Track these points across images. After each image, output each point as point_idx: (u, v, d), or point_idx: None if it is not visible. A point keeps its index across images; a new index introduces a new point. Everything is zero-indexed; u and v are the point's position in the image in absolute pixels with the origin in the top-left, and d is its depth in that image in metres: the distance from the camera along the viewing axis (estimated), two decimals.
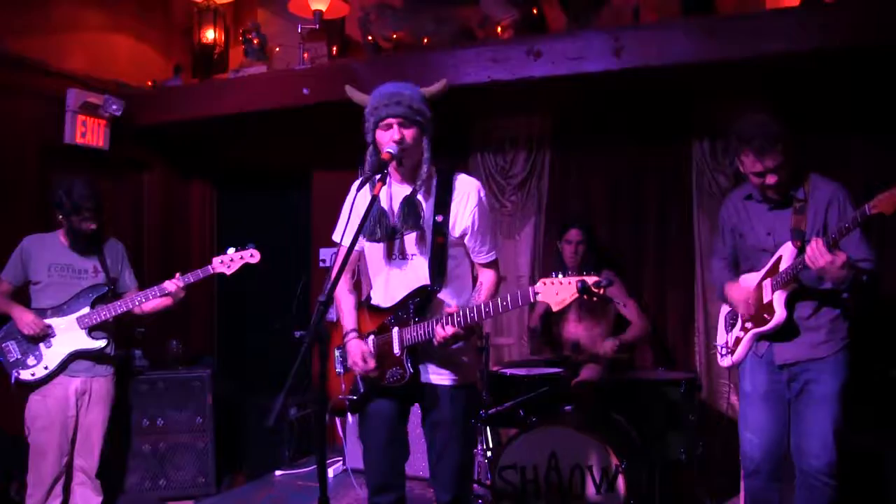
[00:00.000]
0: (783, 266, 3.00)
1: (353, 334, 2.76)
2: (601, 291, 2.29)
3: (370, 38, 5.04)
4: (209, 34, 5.69)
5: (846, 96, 4.34)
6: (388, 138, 2.58)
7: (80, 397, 3.87)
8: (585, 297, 2.30)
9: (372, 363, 2.66)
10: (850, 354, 3.02)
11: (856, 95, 4.33)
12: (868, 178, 4.14)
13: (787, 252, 3.01)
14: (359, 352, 2.69)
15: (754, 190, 3.13)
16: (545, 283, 2.36)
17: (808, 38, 3.69)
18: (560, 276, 2.35)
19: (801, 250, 2.95)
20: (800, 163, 3.03)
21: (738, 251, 3.32)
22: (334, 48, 5.27)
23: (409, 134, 2.58)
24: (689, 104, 4.66)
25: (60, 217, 3.86)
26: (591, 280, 2.29)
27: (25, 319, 3.76)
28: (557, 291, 2.34)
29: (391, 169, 2.65)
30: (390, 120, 2.57)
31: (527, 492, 3.60)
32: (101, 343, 3.87)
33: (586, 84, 4.30)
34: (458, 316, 2.48)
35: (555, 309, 2.36)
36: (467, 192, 2.70)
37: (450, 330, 2.48)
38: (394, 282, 2.73)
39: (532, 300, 2.39)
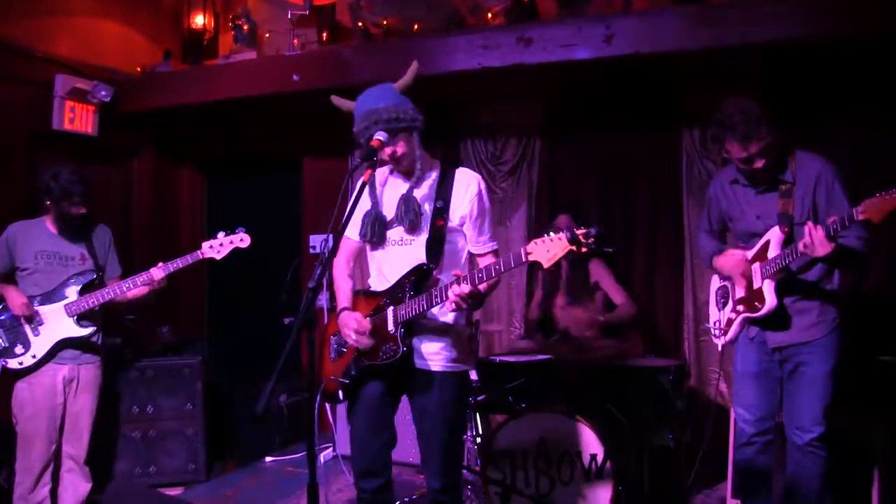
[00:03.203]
0: (771, 252, 3.00)
1: (347, 310, 2.78)
2: (591, 241, 2.30)
3: (360, 24, 5.01)
4: (199, 20, 5.66)
5: (836, 85, 4.35)
6: (385, 154, 2.64)
7: (68, 385, 3.84)
8: (575, 248, 2.30)
9: (366, 325, 2.69)
10: (841, 335, 3.04)
11: (846, 84, 4.33)
12: (857, 168, 4.19)
13: (774, 237, 3.01)
14: (351, 319, 2.71)
15: (740, 174, 3.13)
16: (536, 243, 2.37)
17: (798, 27, 3.70)
18: (550, 234, 2.35)
19: (788, 236, 2.96)
20: (785, 143, 3.02)
21: (728, 234, 3.34)
22: (324, 34, 5.25)
23: (399, 145, 2.66)
24: (679, 92, 4.66)
25: (48, 203, 3.81)
26: (580, 231, 2.30)
27: (18, 302, 3.73)
28: (548, 248, 2.35)
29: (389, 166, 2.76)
30: (379, 137, 2.60)
31: (516, 478, 3.62)
32: (89, 330, 3.84)
33: (577, 71, 4.29)
34: (470, 276, 2.50)
35: (546, 266, 2.36)
36: (467, 182, 2.76)
37: (466, 288, 2.48)
38: (390, 265, 2.77)
39: (525, 260, 2.40)
